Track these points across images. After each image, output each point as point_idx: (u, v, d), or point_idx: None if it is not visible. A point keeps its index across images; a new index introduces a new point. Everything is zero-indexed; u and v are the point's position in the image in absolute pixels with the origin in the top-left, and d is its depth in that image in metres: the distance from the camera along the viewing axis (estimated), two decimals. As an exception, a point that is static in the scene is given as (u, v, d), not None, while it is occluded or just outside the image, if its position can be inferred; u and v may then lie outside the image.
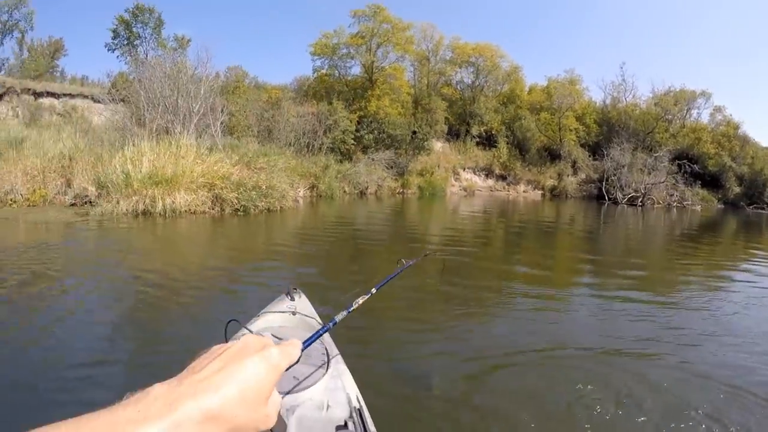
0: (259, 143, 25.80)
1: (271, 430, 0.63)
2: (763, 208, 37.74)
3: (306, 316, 3.19)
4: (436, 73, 44.15)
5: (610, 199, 36.66)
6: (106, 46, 39.37)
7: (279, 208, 17.36)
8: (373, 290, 2.14)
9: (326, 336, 2.77)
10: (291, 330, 2.96)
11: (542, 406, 4.01)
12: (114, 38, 39.05)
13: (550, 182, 41.85)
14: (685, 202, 35.93)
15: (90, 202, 15.02)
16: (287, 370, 0.66)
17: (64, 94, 31.66)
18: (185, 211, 14.59)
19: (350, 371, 2.61)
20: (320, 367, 2.50)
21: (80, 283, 7.15)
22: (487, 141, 43.73)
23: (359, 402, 2.35)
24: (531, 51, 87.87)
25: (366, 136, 34.57)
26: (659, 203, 35.55)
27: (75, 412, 0.49)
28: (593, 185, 40.04)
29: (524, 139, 43.44)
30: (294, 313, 3.18)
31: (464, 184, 40.07)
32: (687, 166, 37.15)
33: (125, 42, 38.90)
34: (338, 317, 1.78)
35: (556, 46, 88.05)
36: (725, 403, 4.08)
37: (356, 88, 39.23)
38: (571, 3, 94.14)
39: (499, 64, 44.28)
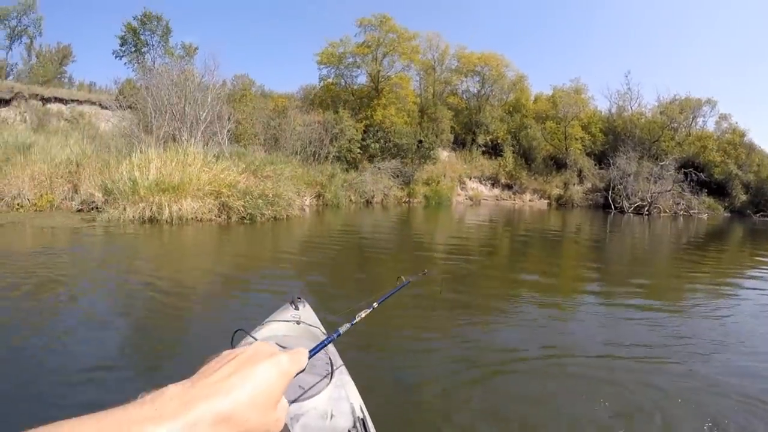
0: (265, 151, 25.98)
1: None
2: (769, 216, 37.48)
3: (310, 325, 3.19)
4: (442, 82, 44.24)
5: (616, 208, 36.55)
6: (113, 53, 39.76)
7: (285, 216, 17.41)
8: (375, 304, 2.15)
9: (330, 346, 2.77)
10: (295, 339, 2.96)
11: (548, 415, 3.99)
12: (122, 45, 39.38)
13: (556, 191, 41.80)
14: (691, 211, 35.79)
15: (97, 208, 15.08)
16: (294, 377, 0.68)
17: (72, 100, 31.91)
18: (192, 218, 14.63)
19: (354, 381, 2.61)
20: (324, 376, 2.50)
21: (86, 289, 7.18)
22: (493, 150, 43.72)
23: (363, 412, 2.35)
24: (536, 60, 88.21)
25: (372, 145, 34.67)
26: (665, 212, 35.43)
27: (80, 415, 0.50)
28: (599, 194, 40.02)
29: (530, 148, 43.37)
30: (298, 323, 3.17)
31: (470, 193, 40.07)
32: (693, 175, 37.07)
33: (133, 49, 39.20)
34: (342, 329, 1.79)
35: (562, 55, 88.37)
36: (736, 412, 4.03)
37: (362, 97, 39.37)
38: (576, 12, 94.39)
39: (504, 74, 44.37)
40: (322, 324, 3.31)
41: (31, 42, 38.05)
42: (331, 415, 2.25)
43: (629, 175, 37.22)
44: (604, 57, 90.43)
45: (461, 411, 4.02)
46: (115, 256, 9.98)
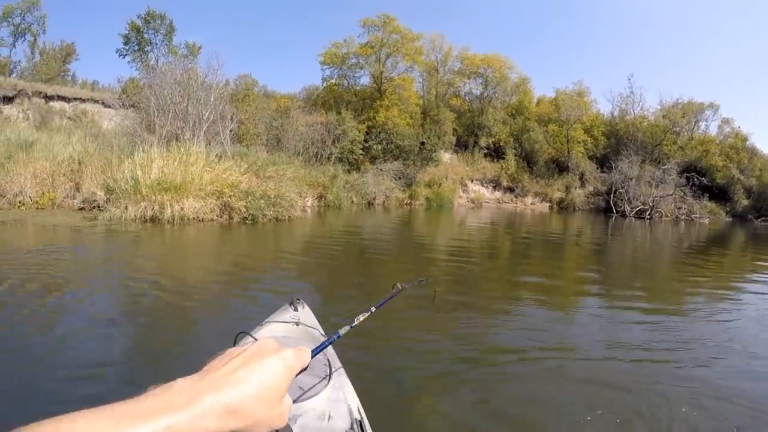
0: (267, 152, 25.99)
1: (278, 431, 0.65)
2: (771, 221, 37.37)
3: (309, 326, 3.19)
4: (445, 83, 44.27)
5: (617, 212, 36.44)
6: (117, 52, 39.73)
7: (287, 217, 17.43)
8: (373, 309, 2.16)
9: (329, 348, 2.77)
10: (294, 340, 2.96)
11: (549, 418, 3.97)
12: (125, 44, 39.36)
13: (557, 195, 41.70)
14: (693, 215, 35.64)
15: (98, 206, 15.12)
16: (296, 375, 0.69)
17: (75, 98, 31.99)
18: (193, 218, 14.66)
19: (352, 382, 2.62)
20: (323, 378, 2.51)
21: (88, 287, 7.18)
22: (495, 153, 43.67)
23: (360, 414, 2.35)
24: (539, 62, 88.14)
25: (374, 147, 34.68)
26: (667, 216, 35.32)
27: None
28: (601, 198, 39.93)
29: (532, 151, 43.32)
30: (297, 324, 3.18)
31: (472, 195, 40.02)
32: (695, 179, 36.95)
33: (136, 48, 39.21)
34: (342, 331, 1.80)
35: (565, 57, 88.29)
36: (740, 417, 4.01)
37: (365, 98, 39.40)
38: (579, 15, 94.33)
39: (507, 76, 44.31)
40: (322, 325, 3.31)
41: (35, 40, 38.14)
42: (329, 417, 2.26)
43: (631, 179, 37.12)
44: (607, 60, 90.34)
45: (460, 413, 4.01)
46: (117, 255, 10.00)
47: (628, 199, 36.44)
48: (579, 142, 43.46)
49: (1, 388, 3.90)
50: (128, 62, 40.28)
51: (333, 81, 41.75)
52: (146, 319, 6.04)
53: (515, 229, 23.11)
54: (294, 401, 2.25)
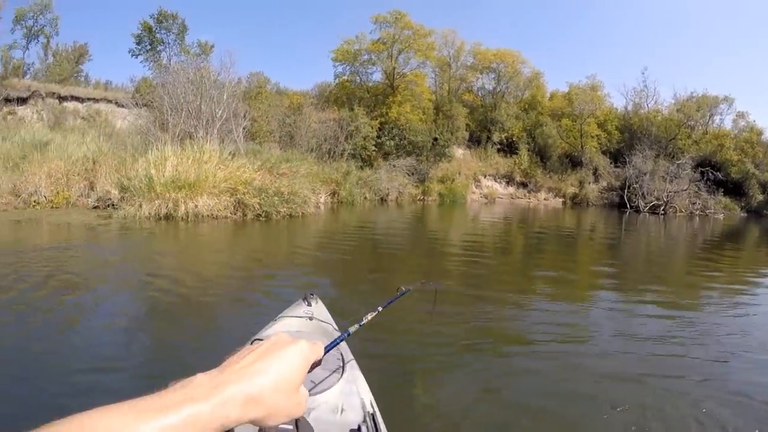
0: (281, 149, 26.05)
1: (296, 420, 0.66)
2: (787, 217, 36.85)
3: (322, 321, 3.21)
4: (458, 79, 44.02)
5: (631, 207, 36.00)
6: (129, 52, 39.81)
7: (300, 213, 17.47)
8: (380, 308, 2.18)
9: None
10: (307, 335, 2.97)
11: (564, 413, 3.97)
12: (138, 44, 39.47)
13: (571, 190, 41.33)
14: (707, 211, 35.13)
15: (113, 205, 15.24)
16: (311, 370, 0.71)
17: (88, 99, 32.26)
18: (207, 215, 14.73)
19: (364, 376, 2.63)
20: (335, 371, 2.53)
21: (104, 285, 7.27)
22: (508, 148, 43.35)
23: (373, 407, 2.36)
24: (552, 57, 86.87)
25: (387, 143, 34.62)
26: (681, 212, 34.89)
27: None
28: (615, 193, 39.52)
29: (545, 146, 42.95)
30: (311, 319, 3.19)
31: (485, 191, 39.82)
32: (710, 174, 36.54)
33: (149, 47, 39.32)
34: (352, 329, 1.82)
35: (578, 51, 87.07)
36: (763, 415, 4.00)
37: (377, 94, 39.27)
38: (592, 8, 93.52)
39: (520, 70, 43.97)
40: (335, 321, 3.33)
41: (48, 41, 38.43)
42: (342, 410, 2.27)
43: (645, 174, 36.69)
44: (621, 54, 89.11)
45: (474, 405, 4.01)
46: (133, 252, 10.10)
47: (642, 194, 36.00)
48: (592, 137, 43.05)
49: (25, 385, 3.95)
50: (141, 62, 40.43)
51: (345, 77, 41.61)
52: (164, 314, 6.10)
53: (528, 224, 23.04)
54: None
